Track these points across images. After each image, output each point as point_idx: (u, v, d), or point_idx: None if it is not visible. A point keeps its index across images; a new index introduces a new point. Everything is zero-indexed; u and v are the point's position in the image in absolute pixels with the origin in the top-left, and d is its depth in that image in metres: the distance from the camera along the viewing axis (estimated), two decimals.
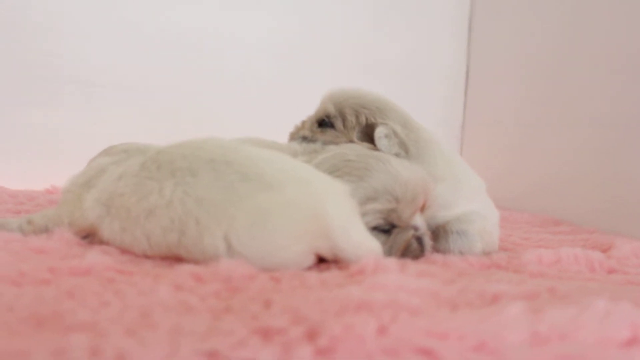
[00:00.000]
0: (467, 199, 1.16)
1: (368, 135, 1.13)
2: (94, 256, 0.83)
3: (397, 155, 1.11)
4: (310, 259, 0.89)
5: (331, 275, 0.81)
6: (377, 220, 1.01)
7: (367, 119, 1.14)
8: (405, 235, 1.02)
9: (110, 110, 2.10)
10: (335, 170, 1.04)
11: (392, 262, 0.86)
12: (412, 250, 1.03)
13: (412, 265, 0.89)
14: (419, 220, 1.04)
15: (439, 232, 1.13)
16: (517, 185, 2.15)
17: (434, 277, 0.84)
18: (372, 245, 0.94)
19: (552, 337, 0.61)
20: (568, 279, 0.95)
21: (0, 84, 1.94)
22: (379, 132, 1.11)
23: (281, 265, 0.84)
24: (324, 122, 1.17)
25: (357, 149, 1.09)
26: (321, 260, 0.92)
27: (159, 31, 2.17)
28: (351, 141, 1.14)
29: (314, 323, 0.58)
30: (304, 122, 1.21)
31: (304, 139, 1.18)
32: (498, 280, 0.83)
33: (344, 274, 0.83)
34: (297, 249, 0.86)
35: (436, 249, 1.12)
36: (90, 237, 0.99)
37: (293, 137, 1.20)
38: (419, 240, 1.04)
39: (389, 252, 1.01)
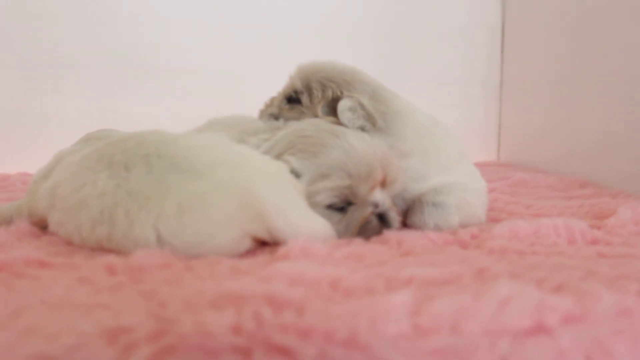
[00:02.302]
0: (443, 170, 1.10)
1: (334, 109, 1.09)
2: (22, 249, 0.83)
3: (361, 128, 1.06)
4: (246, 244, 0.87)
5: (250, 262, 0.78)
6: (330, 199, 0.97)
7: (333, 92, 1.10)
8: (362, 213, 0.98)
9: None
10: (291, 147, 1.00)
11: (321, 245, 0.83)
12: (371, 227, 0.98)
13: (347, 247, 0.85)
14: (379, 196, 0.99)
15: (414, 205, 1.08)
16: (554, 146, 2.04)
17: (361, 260, 0.80)
18: (315, 225, 0.90)
19: (437, 329, 0.57)
20: (531, 254, 0.89)
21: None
22: (342, 105, 1.07)
23: (214, 252, 0.82)
24: (291, 98, 1.14)
25: (318, 124, 1.05)
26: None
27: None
28: (316, 116, 1.10)
29: (166, 320, 0.56)
30: (272, 99, 1.17)
31: (271, 116, 1.14)
32: (431, 263, 0.78)
33: (265, 260, 0.80)
34: (229, 234, 0.84)
35: (413, 223, 1.07)
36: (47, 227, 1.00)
37: (262, 114, 1.16)
38: (381, 216, 0.99)
39: (344, 231, 0.97)
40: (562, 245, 0.95)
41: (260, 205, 0.85)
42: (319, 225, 0.91)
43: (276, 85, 1.20)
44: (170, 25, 2.19)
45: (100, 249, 0.86)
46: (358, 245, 0.87)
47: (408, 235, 0.96)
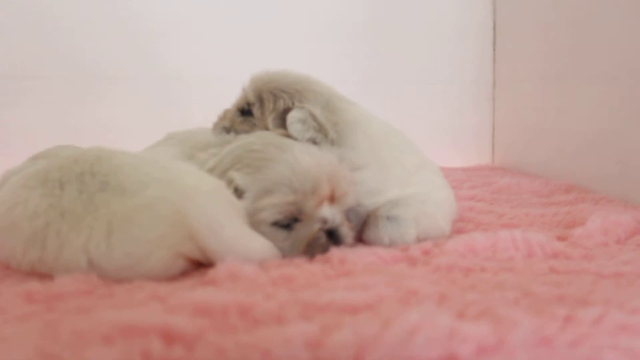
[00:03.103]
0: (400, 181, 1.06)
1: (285, 120, 1.05)
2: None
3: (312, 140, 1.03)
4: (179, 265, 0.83)
5: (173, 287, 0.75)
6: (275, 216, 0.93)
7: (284, 103, 1.06)
8: (308, 230, 0.94)
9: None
10: (238, 162, 0.97)
11: (251, 267, 0.79)
12: (319, 245, 0.94)
13: (279, 269, 0.81)
14: (327, 212, 0.95)
15: (369, 220, 1.04)
16: (547, 148, 1.99)
17: (289, 283, 0.77)
18: (253, 244, 0.87)
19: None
20: (479, 271, 0.85)
21: None
22: (292, 117, 1.03)
23: (146, 274, 0.79)
24: (244, 110, 1.10)
25: (267, 137, 1.01)
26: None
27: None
28: (267, 129, 1.07)
29: (51, 356, 0.53)
30: (225, 112, 1.14)
31: (224, 129, 1.11)
32: (362, 285, 0.74)
33: (191, 284, 0.77)
34: (160, 255, 0.80)
35: (367, 239, 1.04)
36: None
37: (214, 128, 1.13)
38: (331, 233, 0.96)
39: (290, 249, 0.93)
40: (518, 260, 0.91)
41: (191, 225, 0.81)
42: (258, 245, 0.87)
43: None
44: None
45: (34, 273, 0.83)
46: (291, 267, 0.84)
47: (355, 253, 0.92)
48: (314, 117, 1.03)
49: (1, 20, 2.10)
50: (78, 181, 0.85)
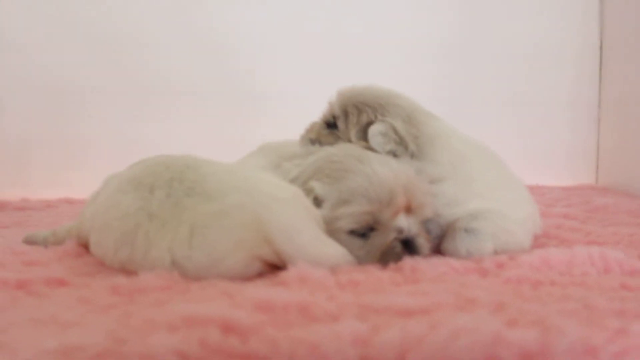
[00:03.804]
0: (479, 196, 1.07)
1: (367, 133, 1.09)
2: (52, 268, 0.91)
3: (392, 153, 1.06)
4: (255, 267, 0.89)
5: (244, 287, 0.79)
6: (351, 224, 0.97)
7: (367, 116, 1.10)
8: (383, 239, 0.97)
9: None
10: (318, 172, 1.02)
11: (320, 271, 0.83)
12: (394, 254, 0.97)
13: (349, 274, 0.85)
14: (403, 222, 0.98)
15: (448, 231, 1.06)
16: None
17: (354, 288, 0.80)
18: (327, 250, 0.91)
19: (382, 359, 0.57)
20: (549, 284, 0.85)
21: None
22: (373, 130, 1.07)
23: (224, 274, 0.85)
24: (330, 123, 1.15)
25: (348, 149, 1.06)
26: None
27: None
28: (350, 141, 1.11)
29: (119, 341, 0.60)
30: (313, 124, 1.19)
31: (310, 141, 1.17)
32: (424, 292, 0.77)
33: (263, 284, 0.82)
34: (237, 257, 0.86)
35: (445, 250, 1.06)
36: None
37: (301, 139, 1.19)
38: (408, 243, 0.98)
39: (365, 258, 0.97)
40: (592, 276, 0.91)
41: (267, 230, 0.87)
42: (332, 251, 0.91)
43: None
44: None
45: (124, 270, 0.91)
46: (362, 273, 0.87)
47: (428, 263, 0.95)
48: (395, 130, 1.07)
49: (76, 38, 2.25)
50: (167, 186, 0.92)
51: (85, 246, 1.07)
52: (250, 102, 2.32)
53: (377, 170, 0.98)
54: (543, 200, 1.56)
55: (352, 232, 0.98)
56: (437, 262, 0.96)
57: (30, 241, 1.20)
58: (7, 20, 2.20)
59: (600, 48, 2.35)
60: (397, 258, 0.97)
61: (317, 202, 0.99)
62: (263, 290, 0.73)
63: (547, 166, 2.36)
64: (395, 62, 2.34)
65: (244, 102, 2.32)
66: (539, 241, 1.16)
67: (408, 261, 0.95)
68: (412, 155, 1.07)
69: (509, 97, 2.39)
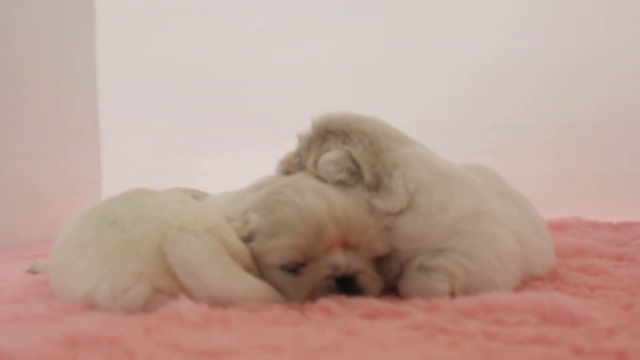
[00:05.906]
0: (443, 231, 0.96)
1: None
2: None
3: (342, 182, 0.99)
4: (160, 299, 0.85)
5: (124, 320, 0.77)
6: (280, 259, 0.91)
7: (329, 145, 1.04)
8: (313, 276, 0.90)
9: None
10: (261, 204, 0.97)
11: (196, 310, 0.78)
12: (329, 292, 0.90)
13: (225, 312, 0.79)
14: (340, 258, 0.90)
15: (403, 269, 0.97)
16: None
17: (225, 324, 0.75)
18: (238, 287, 0.85)
19: None
20: (457, 334, 0.74)
21: None
22: (323, 159, 1.00)
23: (127, 306, 0.83)
24: (299, 153, 1.10)
25: (297, 180, 1.00)
26: None
27: None
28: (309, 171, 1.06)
29: None
30: (287, 155, 1.14)
31: (283, 172, 1.12)
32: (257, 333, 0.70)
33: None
34: (138, 289, 0.84)
35: (400, 289, 0.97)
36: None
37: (276, 170, 1.14)
38: (346, 281, 0.91)
39: (294, 295, 0.90)
40: (530, 325, 0.77)
41: (171, 262, 0.84)
42: (242, 287, 0.85)
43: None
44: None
45: None
46: (241, 310, 0.81)
47: (355, 302, 0.86)
48: (352, 159, 1.00)
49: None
50: (97, 218, 0.93)
51: None
52: None
53: (309, 202, 0.92)
54: (590, 237, 1.37)
55: (283, 267, 0.92)
56: (359, 302, 0.86)
57: (32, 271, 1.27)
58: None
59: None
60: (325, 294, 0.89)
61: (252, 234, 0.95)
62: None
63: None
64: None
65: None
66: (534, 284, 1.03)
67: (340, 300, 0.87)
68: (369, 186, 0.99)
69: None
